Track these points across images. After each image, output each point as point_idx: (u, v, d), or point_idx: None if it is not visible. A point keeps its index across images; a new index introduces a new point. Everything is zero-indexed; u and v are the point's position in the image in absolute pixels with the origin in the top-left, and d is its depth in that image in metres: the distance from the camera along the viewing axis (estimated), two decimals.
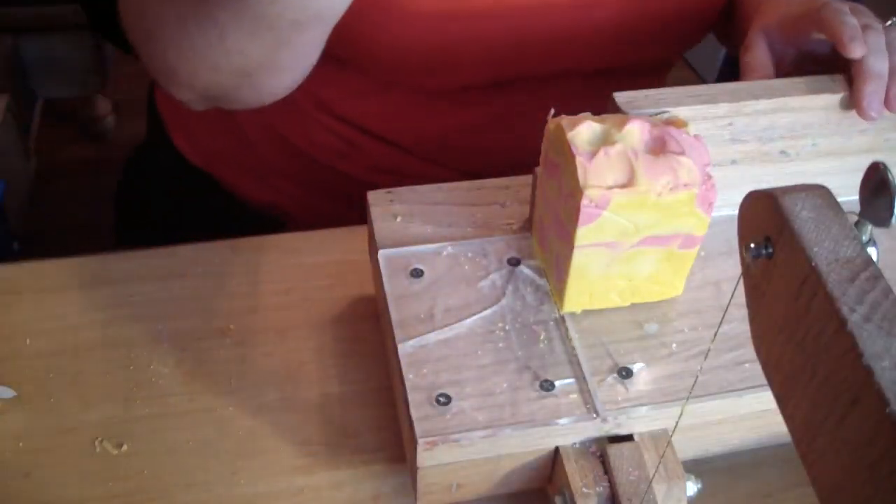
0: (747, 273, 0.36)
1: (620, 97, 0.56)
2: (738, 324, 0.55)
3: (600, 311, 0.56)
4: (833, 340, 0.30)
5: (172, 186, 0.91)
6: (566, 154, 0.50)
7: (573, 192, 0.49)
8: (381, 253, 0.58)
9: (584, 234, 0.50)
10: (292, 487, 0.56)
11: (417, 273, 0.57)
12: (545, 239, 0.56)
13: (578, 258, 0.51)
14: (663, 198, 0.49)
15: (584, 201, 0.48)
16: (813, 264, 0.31)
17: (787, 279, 0.33)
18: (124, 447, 0.57)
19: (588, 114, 0.52)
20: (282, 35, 0.53)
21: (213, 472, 0.56)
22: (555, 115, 0.52)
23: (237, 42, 0.53)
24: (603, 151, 0.49)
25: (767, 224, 0.34)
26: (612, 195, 0.48)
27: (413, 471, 0.51)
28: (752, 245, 0.35)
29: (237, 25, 0.52)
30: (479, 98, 0.76)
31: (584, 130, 0.50)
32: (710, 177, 0.50)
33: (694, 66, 2.31)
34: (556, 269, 0.55)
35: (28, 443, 0.57)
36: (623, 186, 0.48)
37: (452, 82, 0.74)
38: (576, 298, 0.54)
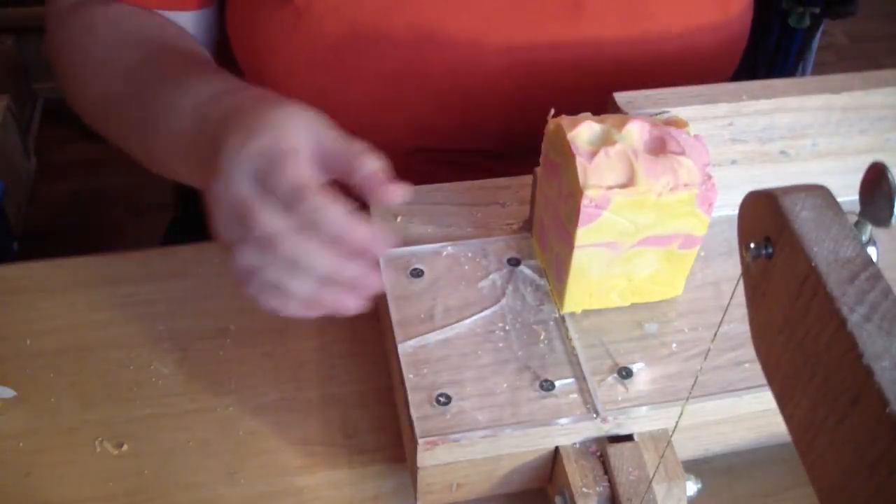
0: (747, 273, 0.36)
1: (620, 97, 0.56)
2: (738, 324, 0.55)
3: (600, 311, 0.56)
4: (833, 340, 0.30)
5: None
6: (566, 154, 0.50)
7: (573, 193, 0.49)
8: None
9: (584, 235, 0.50)
10: (292, 487, 0.56)
11: (417, 273, 0.57)
12: (545, 239, 0.56)
13: (578, 258, 0.51)
14: (663, 198, 0.49)
15: (585, 201, 0.48)
16: (813, 264, 0.31)
17: (787, 279, 0.33)
18: (124, 447, 0.57)
19: (588, 114, 0.52)
20: None
21: (213, 472, 0.56)
22: (554, 116, 0.52)
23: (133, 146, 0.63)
24: (603, 151, 0.49)
25: (767, 224, 0.34)
26: (612, 195, 0.48)
27: (413, 471, 0.51)
28: (752, 245, 0.35)
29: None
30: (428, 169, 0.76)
31: (584, 130, 0.50)
32: (710, 177, 0.50)
33: None
34: (556, 269, 0.55)
35: (28, 443, 0.57)
36: (623, 186, 0.48)
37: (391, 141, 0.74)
38: (576, 298, 0.54)
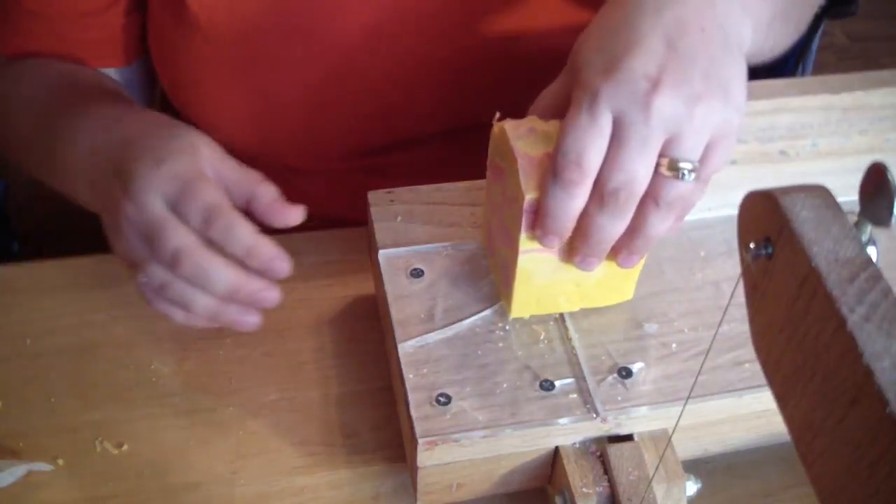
0: (747, 273, 0.36)
1: None
2: (738, 324, 0.55)
3: (600, 311, 0.56)
4: (833, 340, 0.30)
5: None
6: (509, 158, 0.48)
7: (516, 196, 0.48)
8: (381, 253, 0.58)
9: (528, 239, 0.49)
10: (292, 487, 0.56)
11: (417, 273, 0.57)
12: (493, 244, 0.56)
13: (524, 263, 0.51)
14: None
15: (526, 205, 0.47)
16: (813, 264, 0.31)
17: (787, 279, 0.33)
18: (124, 447, 0.57)
19: (534, 117, 0.50)
20: None
21: (213, 472, 0.56)
22: (500, 119, 0.50)
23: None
24: (546, 155, 0.48)
25: (767, 224, 0.34)
26: None
27: (413, 471, 0.51)
28: (752, 245, 0.35)
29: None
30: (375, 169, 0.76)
31: (528, 134, 0.49)
32: None
33: None
34: (502, 274, 0.54)
35: (28, 443, 0.57)
36: None
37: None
38: (523, 304, 0.54)
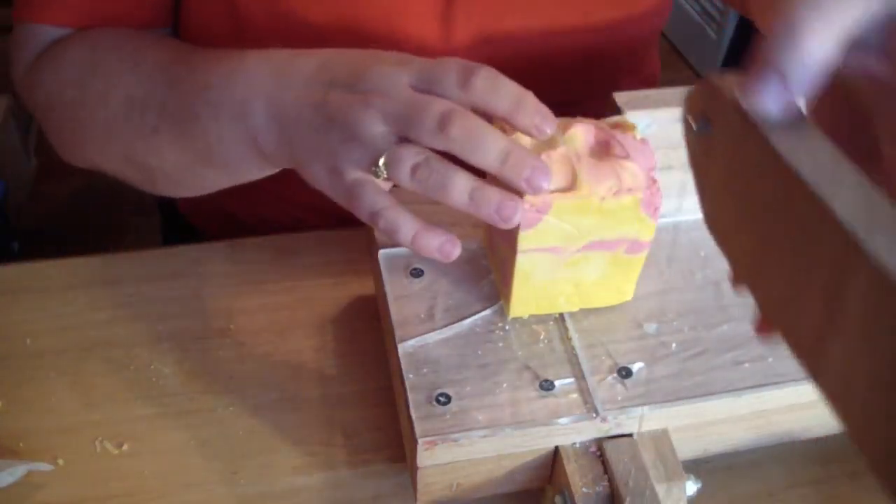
0: (693, 154, 0.39)
1: (620, 97, 0.56)
2: (738, 324, 0.55)
3: (600, 311, 0.56)
4: (774, 178, 0.32)
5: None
6: None
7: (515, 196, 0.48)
8: (381, 253, 0.58)
9: (527, 238, 0.49)
10: (292, 487, 0.56)
11: (417, 273, 0.57)
12: (493, 243, 0.56)
13: (522, 263, 0.51)
14: (606, 202, 0.48)
15: (525, 205, 0.48)
16: (749, 121, 0.34)
17: (727, 144, 0.35)
18: (124, 447, 0.57)
19: None
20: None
21: (213, 472, 0.56)
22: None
23: (161, 149, 0.59)
24: (545, 155, 0.48)
25: (706, 103, 0.37)
26: (553, 199, 0.48)
27: (413, 470, 0.51)
28: (694, 124, 0.38)
29: (170, 136, 0.58)
30: None
31: (526, 134, 0.49)
32: (654, 181, 0.49)
33: (694, 65, 2.31)
34: (502, 273, 0.55)
35: (28, 443, 0.57)
36: (565, 191, 0.48)
37: None
38: (522, 303, 0.54)
